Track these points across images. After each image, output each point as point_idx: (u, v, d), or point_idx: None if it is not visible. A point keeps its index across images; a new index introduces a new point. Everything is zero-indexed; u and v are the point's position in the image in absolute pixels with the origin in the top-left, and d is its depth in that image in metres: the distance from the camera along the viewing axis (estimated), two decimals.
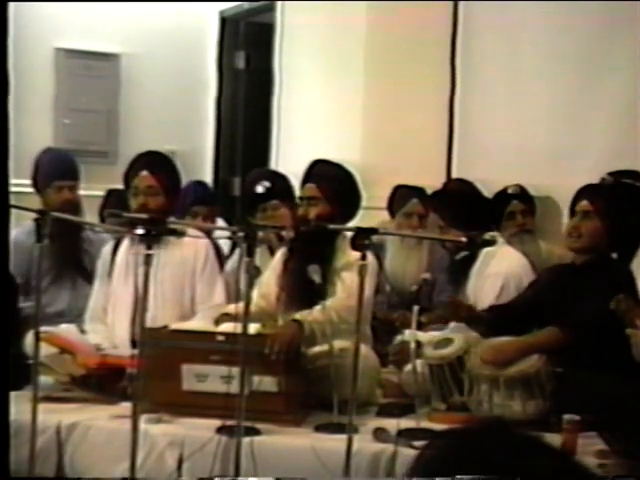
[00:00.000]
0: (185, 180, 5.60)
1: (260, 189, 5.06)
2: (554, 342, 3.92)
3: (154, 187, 4.53)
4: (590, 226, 4.12)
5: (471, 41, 5.84)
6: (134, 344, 4.27)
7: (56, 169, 5.21)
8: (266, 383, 3.82)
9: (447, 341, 4.11)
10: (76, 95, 7.07)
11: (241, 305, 3.59)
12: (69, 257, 5.10)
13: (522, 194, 5.18)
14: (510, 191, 5.16)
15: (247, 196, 5.28)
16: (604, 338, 3.82)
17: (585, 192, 4.24)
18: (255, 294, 4.27)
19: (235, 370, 3.61)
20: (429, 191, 5.18)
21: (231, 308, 4.03)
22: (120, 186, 4.77)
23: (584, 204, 4.17)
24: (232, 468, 3.52)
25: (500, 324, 4.14)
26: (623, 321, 3.69)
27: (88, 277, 4.98)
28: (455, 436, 1.43)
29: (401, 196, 5.40)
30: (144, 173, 4.54)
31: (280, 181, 5.13)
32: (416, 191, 5.38)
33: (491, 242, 4.33)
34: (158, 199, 4.52)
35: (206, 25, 7.51)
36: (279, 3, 6.98)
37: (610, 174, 4.61)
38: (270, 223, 4.91)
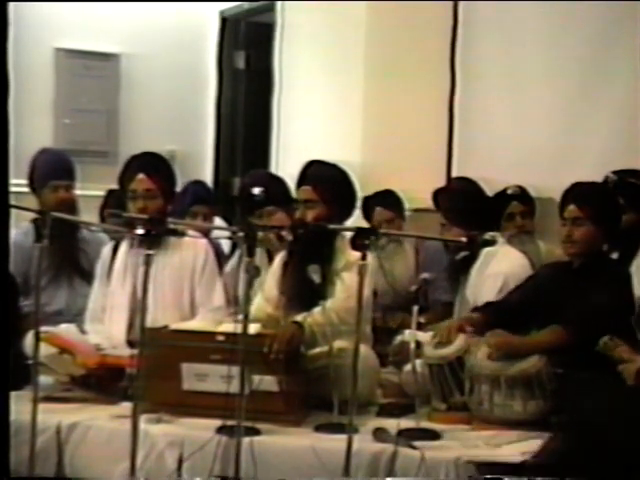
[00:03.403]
0: (185, 180, 5.62)
1: (255, 195, 5.04)
2: (558, 341, 3.92)
3: (152, 190, 4.50)
4: (582, 232, 4.07)
5: (471, 41, 5.84)
6: (130, 345, 4.29)
7: (52, 169, 5.20)
8: (266, 383, 3.81)
9: (447, 341, 4.11)
10: (76, 95, 7.07)
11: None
12: (66, 257, 5.08)
13: (522, 195, 5.17)
14: (510, 192, 5.14)
15: (243, 200, 5.26)
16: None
17: (571, 195, 4.18)
18: (259, 300, 4.26)
19: (235, 369, 3.60)
20: (429, 191, 5.18)
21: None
22: None
23: (572, 209, 4.11)
24: (232, 468, 3.52)
25: (497, 321, 4.14)
26: (612, 360, 3.69)
27: (85, 277, 4.98)
28: None
29: (367, 208, 5.43)
30: (141, 176, 4.51)
31: (275, 185, 5.06)
32: (378, 198, 5.41)
33: (491, 242, 4.32)
34: (157, 202, 4.50)
35: (206, 25, 7.51)
36: (279, 3, 6.98)
37: (614, 172, 4.59)
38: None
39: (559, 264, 4.28)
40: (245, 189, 5.18)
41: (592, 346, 3.80)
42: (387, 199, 5.43)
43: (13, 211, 3.19)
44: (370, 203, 5.44)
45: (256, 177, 5.38)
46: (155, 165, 4.62)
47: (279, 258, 4.52)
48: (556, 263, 4.34)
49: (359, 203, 5.35)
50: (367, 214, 5.45)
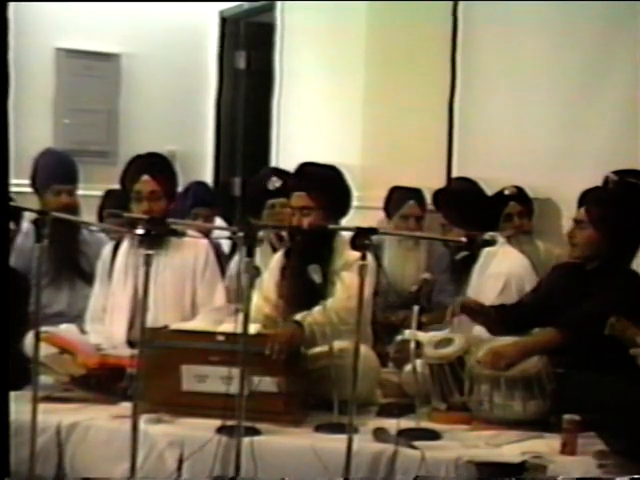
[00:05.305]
0: (186, 181, 5.63)
1: (272, 186, 5.08)
2: (552, 343, 3.91)
3: (157, 192, 4.49)
4: (584, 235, 4.06)
5: (471, 41, 5.84)
6: (131, 345, 4.29)
7: (54, 172, 5.18)
8: (266, 383, 3.81)
9: (447, 341, 4.11)
10: (76, 95, 7.07)
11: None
12: (67, 259, 5.07)
13: (519, 195, 5.17)
14: (507, 192, 5.15)
15: (255, 192, 5.31)
16: (605, 340, 3.81)
17: (585, 198, 4.19)
18: (257, 300, 4.25)
19: (235, 370, 3.61)
20: (429, 191, 5.18)
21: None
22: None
23: (580, 212, 4.11)
24: (232, 468, 3.52)
25: (510, 323, 4.14)
26: (623, 342, 3.67)
27: (86, 278, 4.97)
28: None
29: (397, 198, 5.39)
30: (145, 177, 4.50)
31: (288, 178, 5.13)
32: (412, 193, 5.37)
33: (491, 242, 4.33)
34: (161, 203, 4.49)
35: (206, 25, 7.51)
36: (279, 3, 6.98)
37: (615, 173, 4.58)
38: (276, 220, 4.95)
39: (572, 266, 4.23)
40: (260, 181, 5.25)
41: (592, 348, 3.81)
42: (421, 196, 5.39)
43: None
44: (402, 195, 5.38)
45: (272, 171, 5.45)
46: (159, 166, 4.62)
47: (276, 260, 4.51)
48: (569, 264, 4.28)
49: (385, 193, 5.42)
50: (394, 204, 5.40)
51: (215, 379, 3.87)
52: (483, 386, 3.90)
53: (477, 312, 4.15)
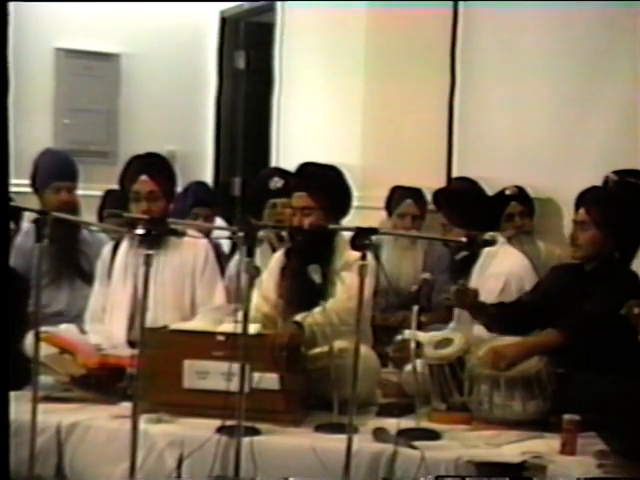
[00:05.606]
0: (185, 180, 5.63)
1: (274, 185, 5.10)
2: (553, 344, 3.91)
3: (155, 192, 4.49)
4: (587, 236, 4.06)
5: (471, 41, 5.84)
6: (131, 345, 4.29)
7: (54, 170, 5.19)
8: (267, 380, 3.81)
9: (447, 341, 4.11)
10: (76, 95, 7.07)
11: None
12: (67, 258, 5.07)
13: (520, 195, 5.18)
14: (508, 192, 5.16)
15: (257, 192, 5.33)
16: (606, 340, 3.80)
17: (583, 199, 4.19)
18: (256, 299, 4.25)
19: (236, 366, 3.60)
20: (429, 191, 5.18)
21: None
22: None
23: (581, 213, 4.11)
24: (232, 468, 3.52)
25: (507, 321, 4.14)
26: (635, 327, 3.66)
27: (86, 278, 4.97)
28: None
29: (397, 197, 5.43)
30: (144, 178, 4.50)
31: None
32: (411, 192, 5.40)
33: (491, 242, 4.32)
34: (159, 204, 4.49)
35: (206, 25, 7.51)
36: (279, 3, 6.97)
37: (615, 173, 4.58)
38: (277, 220, 4.96)
39: (571, 266, 4.24)
40: (262, 180, 5.28)
41: (593, 348, 3.81)
42: (420, 196, 5.41)
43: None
44: (401, 194, 5.43)
45: (275, 171, 5.46)
46: (158, 166, 4.62)
47: (276, 260, 4.51)
48: (569, 266, 4.29)
49: (385, 192, 5.48)
50: (393, 202, 5.45)
51: (216, 375, 3.87)
52: (483, 386, 3.90)
53: (472, 305, 4.14)
